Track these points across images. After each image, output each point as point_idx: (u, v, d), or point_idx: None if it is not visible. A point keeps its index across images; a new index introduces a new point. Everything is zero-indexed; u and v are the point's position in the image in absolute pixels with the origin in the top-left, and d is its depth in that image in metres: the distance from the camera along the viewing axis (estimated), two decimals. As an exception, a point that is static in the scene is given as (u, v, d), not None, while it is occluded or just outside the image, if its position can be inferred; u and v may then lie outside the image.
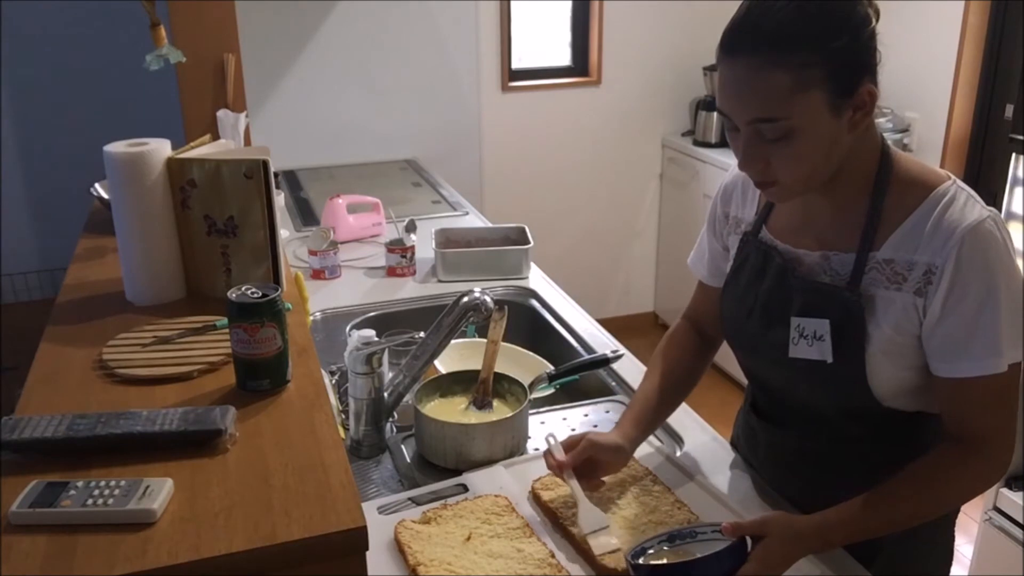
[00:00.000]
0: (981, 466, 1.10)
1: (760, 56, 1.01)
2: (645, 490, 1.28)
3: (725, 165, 3.50)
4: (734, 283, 1.27)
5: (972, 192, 1.10)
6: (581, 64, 3.88)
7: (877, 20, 1.07)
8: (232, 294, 1.11)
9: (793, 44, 1.00)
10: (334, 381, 1.67)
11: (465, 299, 1.45)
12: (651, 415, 1.32)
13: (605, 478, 1.27)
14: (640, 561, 1.07)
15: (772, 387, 1.29)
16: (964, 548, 2.44)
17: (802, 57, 1.00)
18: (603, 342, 1.85)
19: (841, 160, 1.09)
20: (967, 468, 1.09)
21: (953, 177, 1.11)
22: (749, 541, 1.04)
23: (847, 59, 1.02)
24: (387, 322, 1.93)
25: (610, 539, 1.16)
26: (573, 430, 1.54)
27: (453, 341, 1.52)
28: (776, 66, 1.00)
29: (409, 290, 2.12)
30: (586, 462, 1.24)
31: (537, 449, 1.46)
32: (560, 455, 1.24)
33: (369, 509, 1.23)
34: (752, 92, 1.03)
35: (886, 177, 1.11)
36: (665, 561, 1.08)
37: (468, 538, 1.18)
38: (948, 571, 1.32)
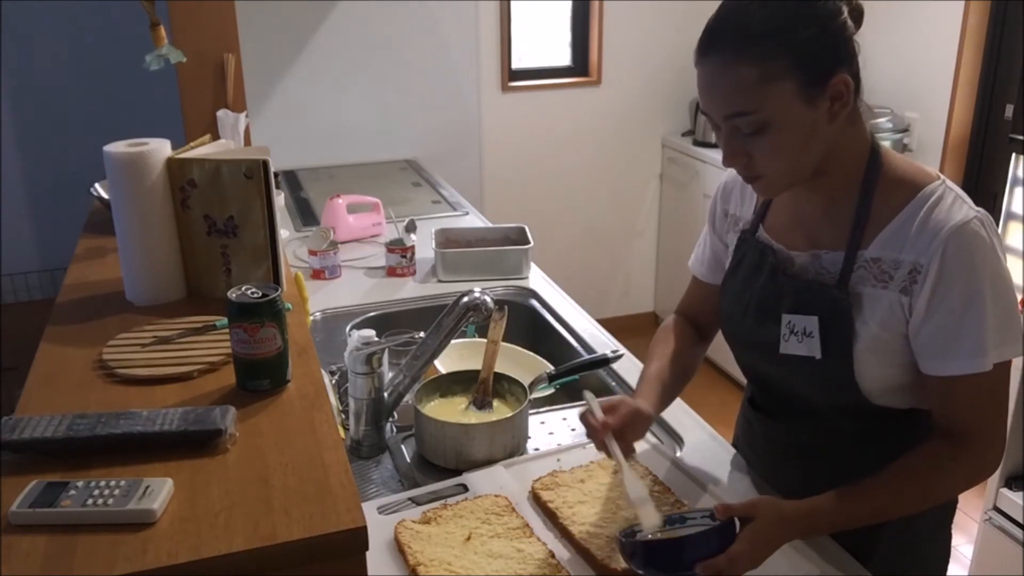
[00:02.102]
0: (970, 462, 1.11)
1: (727, 53, 1.04)
2: (645, 490, 1.28)
3: (725, 165, 3.50)
4: (732, 281, 1.29)
5: (961, 192, 1.10)
6: (581, 64, 3.88)
7: (860, 17, 1.08)
8: (232, 294, 1.11)
9: (757, 37, 1.03)
10: (334, 381, 1.67)
11: (465, 299, 1.45)
12: (670, 389, 1.31)
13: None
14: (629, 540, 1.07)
15: (767, 383, 1.31)
16: (964, 548, 2.44)
17: (767, 49, 1.02)
18: (603, 342, 1.85)
19: (825, 152, 1.10)
20: (956, 464, 1.11)
21: (942, 177, 1.12)
22: (738, 524, 1.05)
23: (815, 49, 1.04)
24: (387, 322, 1.93)
25: (656, 511, 1.11)
26: (573, 430, 1.54)
27: (453, 341, 1.52)
28: (742, 60, 1.03)
29: (409, 290, 2.12)
30: (624, 427, 1.19)
31: (537, 449, 1.47)
32: (600, 415, 1.18)
33: (369, 509, 1.23)
34: (722, 88, 1.06)
35: (874, 176, 1.12)
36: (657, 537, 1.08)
37: (468, 538, 1.18)
38: (945, 570, 1.32)
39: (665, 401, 1.30)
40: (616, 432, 1.17)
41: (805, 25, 1.03)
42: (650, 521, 1.09)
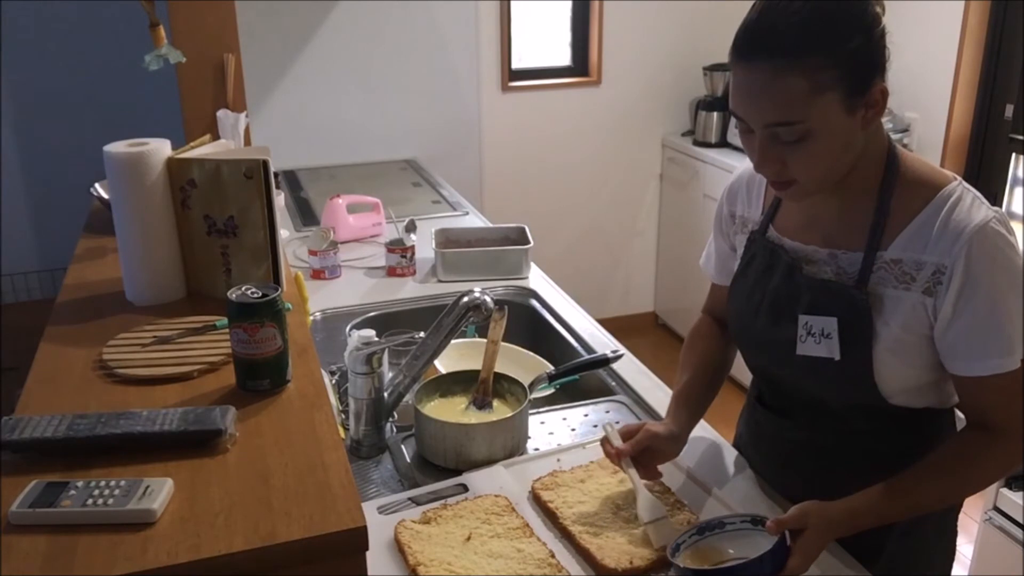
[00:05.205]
0: (1004, 452, 1.12)
1: (776, 61, 1.01)
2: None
3: (725, 165, 3.50)
4: (741, 281, 1.28)
5: (977, 193, 1.11)
6: (581, 64, 3.88)
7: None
8: (232, 294, 1.11)
9: (809, 48, 1.00)
10: (334, 381, 1.67)
11: (465, 299, 1.45)
12: (698, 403, 1.33)
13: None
14: (677, 558, 1.08)
15: (778, 383, 1.30)
16: (964, 548, 2.44)
17: (818, 60, 1.00)
18: (603, 342, 1.84)
19: (855, 158, 1.10)
20: (990, 454, 1.12)
21: (958, 178, 1.12)
22: (788, 535, 1.05)
23: (861, 59, 1.03)
24: (387, 322, 1.93)
25: (670, 529, 1.16)
26: (573, 430, 1.54)
27: (453, 341, 1.52)
28: (792, 71, 1.01)
29: (409, 290, 2.12)
30: (643, 451, 1.24)
31: (537, 449, 1.46)
32: (618, 443, 1.24)
33: (369, 509, 1.23)
34: (769, 97, 1.03)
35: (893, 177, 1.12)
36: (706, 566, 1.08)
37: (468, 538, 1.18)
38: (949, 571, 1.32)
39: (696, 415, 1.33)
40: (633, 458, 1.23)
41: (853, 35, 1.02)
42: (660, 540, 1.14)
